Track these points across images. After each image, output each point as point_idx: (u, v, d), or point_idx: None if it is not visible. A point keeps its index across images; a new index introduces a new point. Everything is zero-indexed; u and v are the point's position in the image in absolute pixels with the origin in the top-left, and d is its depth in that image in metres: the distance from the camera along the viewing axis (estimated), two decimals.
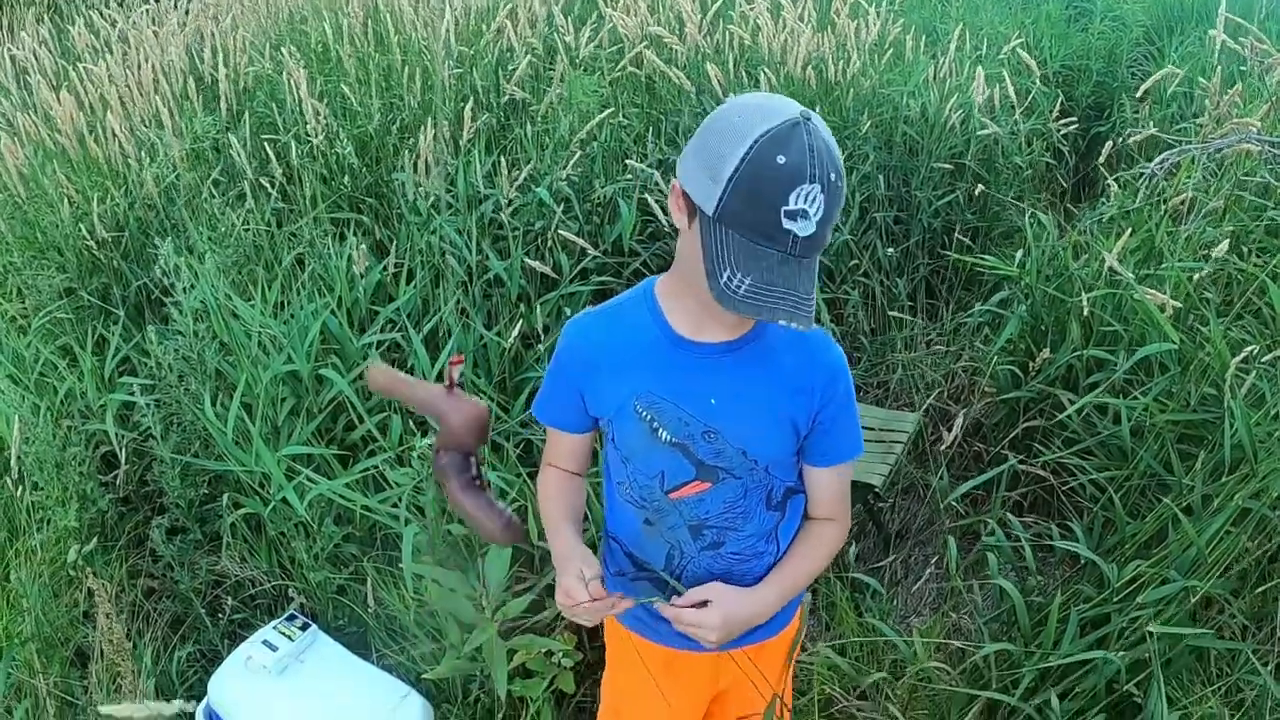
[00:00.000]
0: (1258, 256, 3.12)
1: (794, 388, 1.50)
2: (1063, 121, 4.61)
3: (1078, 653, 2.27)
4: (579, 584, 1.49)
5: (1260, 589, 2.31)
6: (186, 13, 5.47)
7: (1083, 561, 2.63)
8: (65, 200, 3.84)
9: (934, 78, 4.40)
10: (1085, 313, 2.98)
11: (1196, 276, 2.98)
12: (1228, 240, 2.81)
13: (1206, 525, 2.28)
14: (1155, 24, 6.85)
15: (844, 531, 1.69)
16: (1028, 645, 2.40)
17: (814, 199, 1.23)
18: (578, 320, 1.61)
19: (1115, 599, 2.35)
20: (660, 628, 1.68)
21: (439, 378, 1.60)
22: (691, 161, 1.31)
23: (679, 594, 1.58)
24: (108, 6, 5.84)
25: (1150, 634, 2.16)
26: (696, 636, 1.52)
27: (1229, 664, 2.37)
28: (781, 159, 1.22)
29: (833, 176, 1.24)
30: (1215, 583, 2.27)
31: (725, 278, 1.28)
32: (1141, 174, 3.49)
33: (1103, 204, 3.83)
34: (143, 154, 4.00)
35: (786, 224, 1.23)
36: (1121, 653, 2.23)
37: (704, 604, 1.53)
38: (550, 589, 2.51)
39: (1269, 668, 2.15)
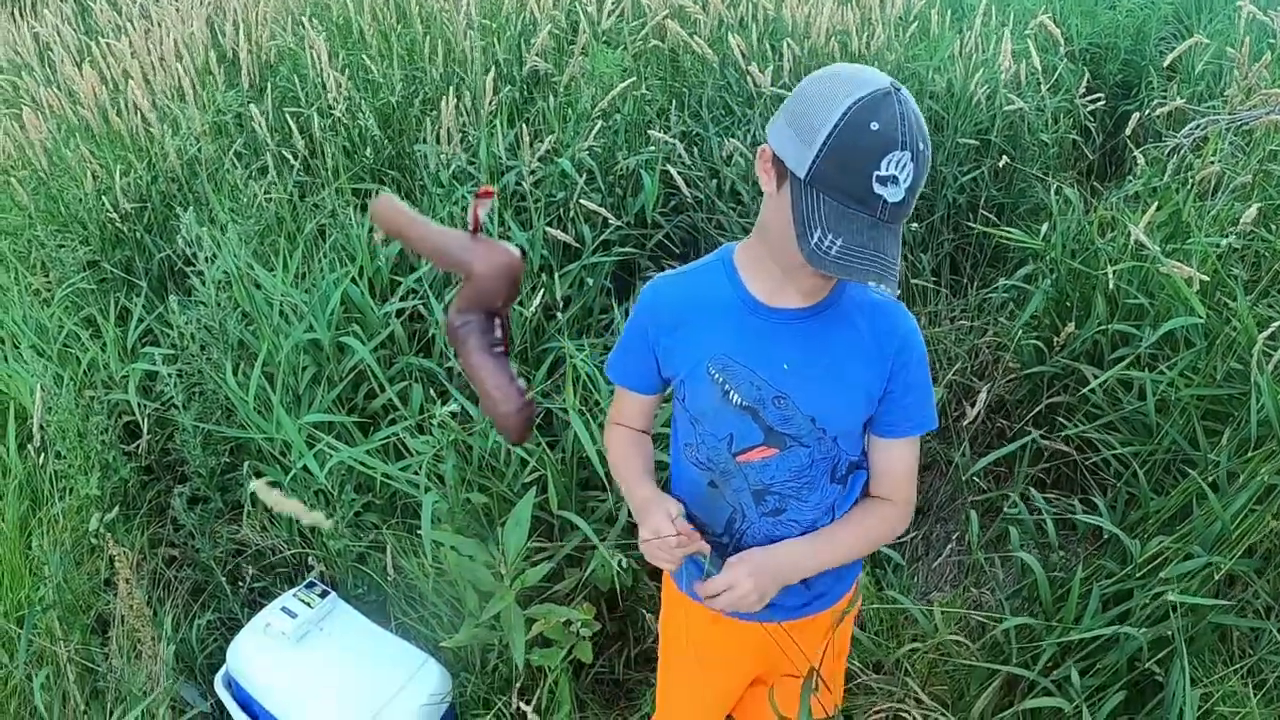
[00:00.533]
0: None
1: (867, 354, 1.52)
2: (1089, 98, 4.56)
3: (1099, 628, 2.26)
4: (667, 521, 1.51)
5: None
6: None
7: (1105, 537, 2.61)
8: (88, 174, 3.85)
9: (960, 52, 4.36)
10: (1110, 287, 2.95)
11: (1224, 243, 2.94)
12: (1256, 209, 2.77)
13: (1231, 501, 2.25)
14: (1184, 2, 6.77)
15: (904, 516, 1.67)
16: (1049, 620, 2.39)
17: (904, 166, 1.27)
18: (655, 282, 1.64)
19: (1138, 575, 2.33)
20: None
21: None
22: (783, 125, 1.35)
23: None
24: None
25: (1173, 608, 2.14)
26: (736, 604, 1.51)
27: (1252, 644, 2.35)
28: (875, 125, 1.25)
29: (921, 146, 1.28)
30: (1240, 561, 2.25)
31: (816, 238, 1.31)
32: (1169, 147, 3.44)
33: (1130, 180, 3.79)
34: (165, 127, 4.01)
35: (878, 189, 1.27)
36: (1143, 629, 2.21)
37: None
38: (570, 559, 2.52)
39: None
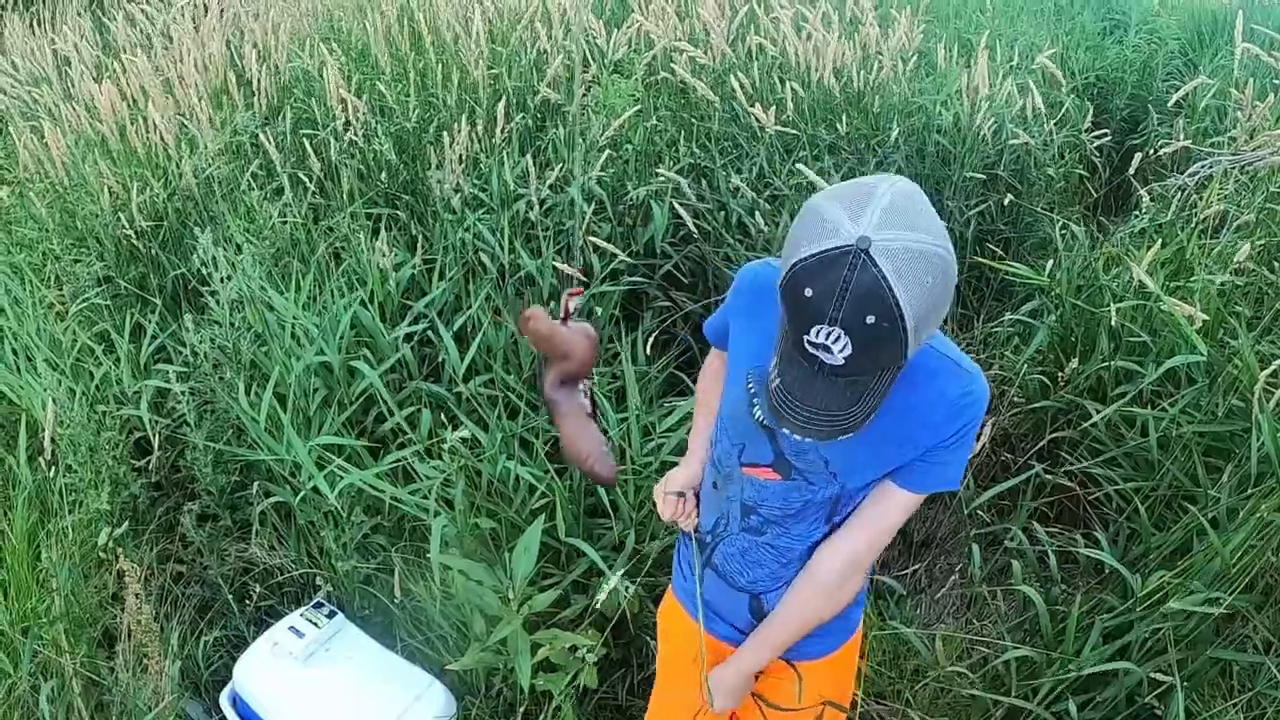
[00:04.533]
0: None
1: (920, 418, 1.43)
2: (1095, 134, 4.61)
3: (1099, 662, 2.28)
4: (660, 498, 1.79)
5: None
6: (221, 12, 5.53)
7: (1107, 571, 2.63)
8: (105, 190, 3.89)
9: (967, 87, 4.40)
10: (1114, 324, 2.98)
11: (1220, 281, 2.97)
12: (1248, 244, 2.80)
13: (1231, 537, 2.27)
14: (1190, 37, 6.83)
15: (863, 551, 1.56)
16: (1050, 653, 2.41)
17: (836, 338, 1.17)
18: (755, 267, 1.59)
19: (1139, 609, 2.35)
20: (704, 610, 1.79)
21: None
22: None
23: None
24: (148, 3, 5.90)
25: (1171, 643, 2.17)
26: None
27: (1251, 678, 2.37)
28: (808, 292, 1.17)
29: (869, 320, 1.15)
30: (1240, 596, 2.27)
31: (771, 364, 1.30)
32: (1173, 186, 3.48)
33: (1135, 216, 3.83)
34: (182, 146, 4.05)
35: (810, 350, 1.20)
36: (1143, 664, 2.24)
37: None
38: (576, 585, 2.55)
39: None
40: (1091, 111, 4.87)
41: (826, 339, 1.17)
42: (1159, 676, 2.22)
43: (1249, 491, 2.42)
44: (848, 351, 1.17)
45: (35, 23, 6.78)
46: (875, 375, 1.23)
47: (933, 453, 1.45)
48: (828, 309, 1.15)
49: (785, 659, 1.74)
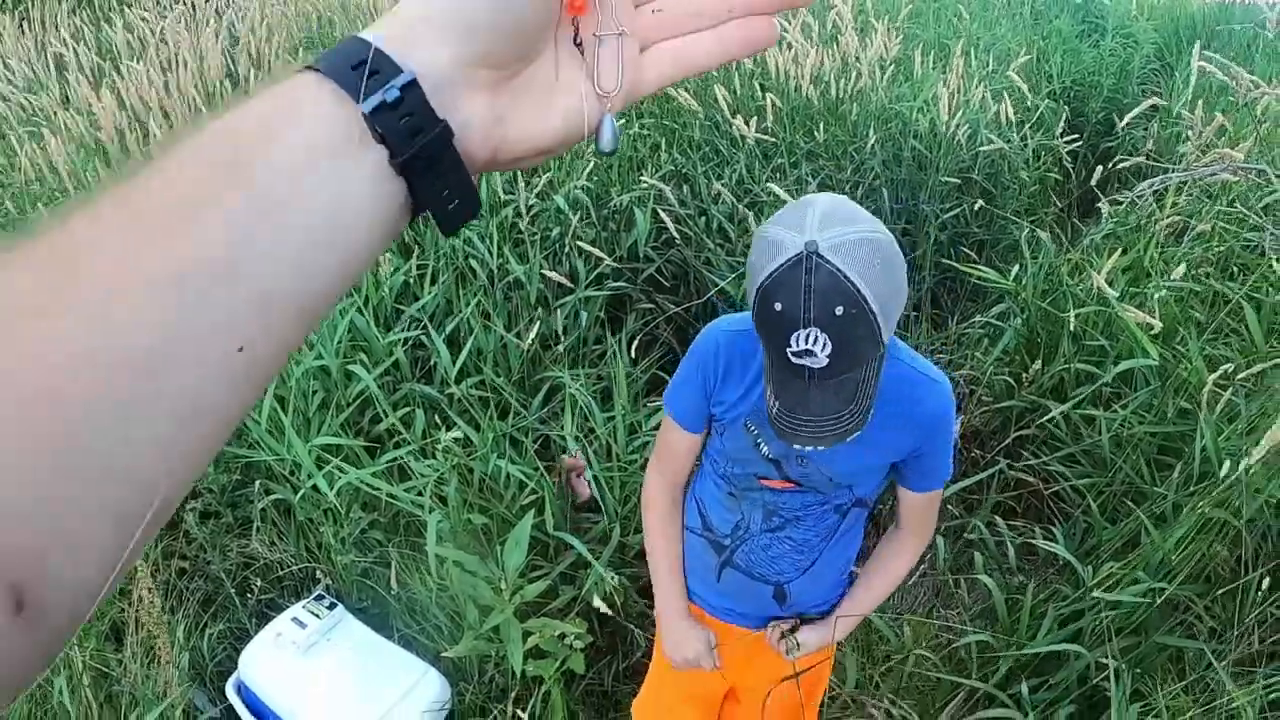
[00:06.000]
0: (1240, 278, 3.26)
1: (899, 423, 1.57)
2: (1068, 139, 4.74)
3: (1049, 645, 2.44)
4: (709, 655, 1.89)
5: (1221, 590, 2.45)
6: (218, 14, 5.61)
7: (1062, 563, 2.78)
8: None
9: (944, 93, 4.53)
10: (1074, 328, 3.12)
11: (1169, 287, 3.11)
12: (1184, 265, 2.95)
13: (1172, 532, 2.42)
14: (1166, 41, 6.96)
15: (922, 543, 1.85)
16: (1007, 638, 2.55)
17: (814, 339, 1.26)
18: (722, 331, 1.66)
19: (1089, 598, 2.50)
20: (710, 599, 1.95)
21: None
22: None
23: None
24: (145, 9, 5.97)
25: (1116, 631, 2.32)
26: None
27: (1198, 661, 2.52)
28: (778, 306, 1.27)
29: (838, 311, 1.25)
30: (1184, 586, 2.42)
31: (768, 394, 1.40)
32: (1130, 199, 3.63)
33: (1101, 223, 3.97)
34: None
35: (795, 361, 1.30)
36: (1093, 649, 2.39)
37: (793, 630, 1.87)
38: (564, 576, 2.68)
39: (1224, 663, 2.29)
40: (1067, 115, 4.99)
41: (807, 342, 1.27)
42: (1104, 660, 2.37)
43: (1193, 489, 2.57)
44: (829, 349, 1.27)
45: (25, 22, 6.77)
46: (861, 368, 1.35)
47: (927, 457, 1.64)
48: (799, 314, 1.25)
49: (798, 614, 1.94)
